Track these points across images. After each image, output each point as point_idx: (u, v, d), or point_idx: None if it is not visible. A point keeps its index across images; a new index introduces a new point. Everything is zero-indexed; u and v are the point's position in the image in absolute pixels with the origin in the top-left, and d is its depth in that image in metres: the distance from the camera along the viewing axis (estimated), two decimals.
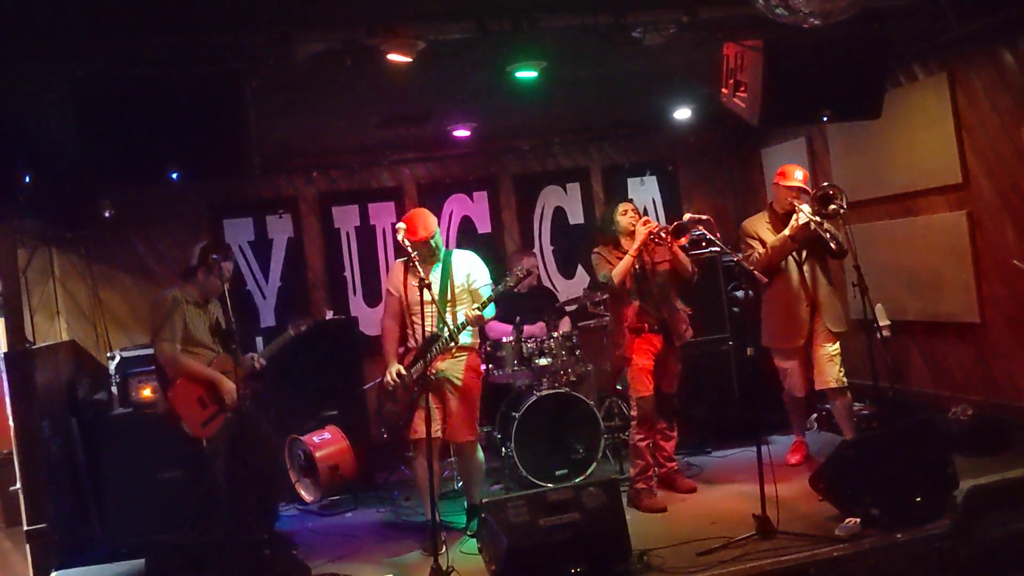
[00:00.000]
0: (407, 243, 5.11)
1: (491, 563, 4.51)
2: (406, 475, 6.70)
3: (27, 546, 5.66)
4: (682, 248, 5.62)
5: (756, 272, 5.18)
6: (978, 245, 6.02)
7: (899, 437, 4.85)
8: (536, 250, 8.30)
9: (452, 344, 5.21)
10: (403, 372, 5.27)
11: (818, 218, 5.53)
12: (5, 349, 5.65)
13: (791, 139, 7.81)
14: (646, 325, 5.62)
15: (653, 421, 5.68)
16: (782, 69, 4.44)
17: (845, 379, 5.76)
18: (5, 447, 5.35)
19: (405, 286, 5.34)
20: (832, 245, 5.58)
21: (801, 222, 5.55)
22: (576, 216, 8.46)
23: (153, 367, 5.99)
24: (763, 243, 5.79)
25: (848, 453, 4.88)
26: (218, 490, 5.20)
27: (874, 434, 5.15)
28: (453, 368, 5.29)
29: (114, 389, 6.23)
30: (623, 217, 5.71)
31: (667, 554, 4.59)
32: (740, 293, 6.95)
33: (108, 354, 6.60)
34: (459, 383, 5.29)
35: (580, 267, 8.36)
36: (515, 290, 6.66)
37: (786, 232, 5.64)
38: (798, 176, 5.80)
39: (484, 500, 4.75)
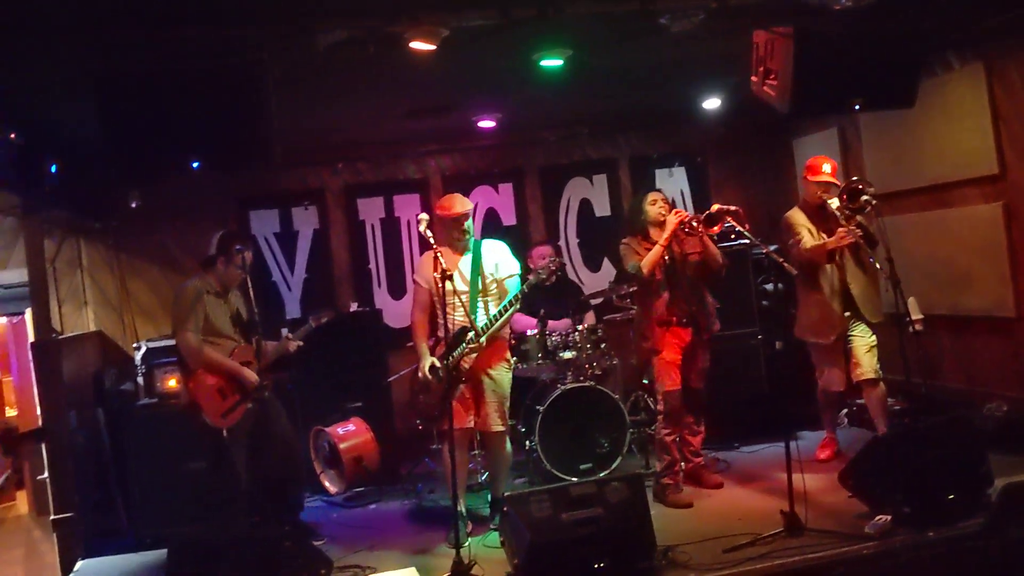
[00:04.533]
0: (429, 234, 5.08)
1: (513, 557, 4.47)
2: (430, 467, 6.70)
3: (54, 535, 5.73)
4: (712, 239, 5.54)
5: (785, 265, 5.08)
6: (1014, 238, 5.88)
7: (932, 433, 4.75)
8: (562, 243, 8.24)
9: (482, 340, 5.17)
10: (436, 365, 5.24)
11: (854, 225, 5.43)
12: (33, 339, 5.71)
13: (823, 130, 7.68)
14: (674, 318, 5.53)
15: (679, 416, 5.61)
16: (813, 57, 4.33)
17: (880, 371, 5.66)
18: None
19: (435, 278, 5.30)
20: (865, 243, 5.49)
21: (843, 243, 5.47)
22: (603, 208, 8.38)
23: (176, 358, 6.04)
24: (811, 233, 5.69)
25: (879, 449, 4.78)
26: (238, 481, 5.20)
27: (906, 430, 5.04)
28: (487, 360, 5.27)
29: (140, 380, 6.26)
30: (652, 207, 5.63)
31: (692, 550, 4.52)
32: (770, 286, 6.86)
33: (134, 344, 6.64)
34: (492, 374, 5.26)
35: (606, 260, 8.28)
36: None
37: (829, 244, 5.54)
38: (826, 169, 5.70)
39: (506, 494, 4.71)
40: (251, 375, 5.22)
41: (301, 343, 5.61)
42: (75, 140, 5.36)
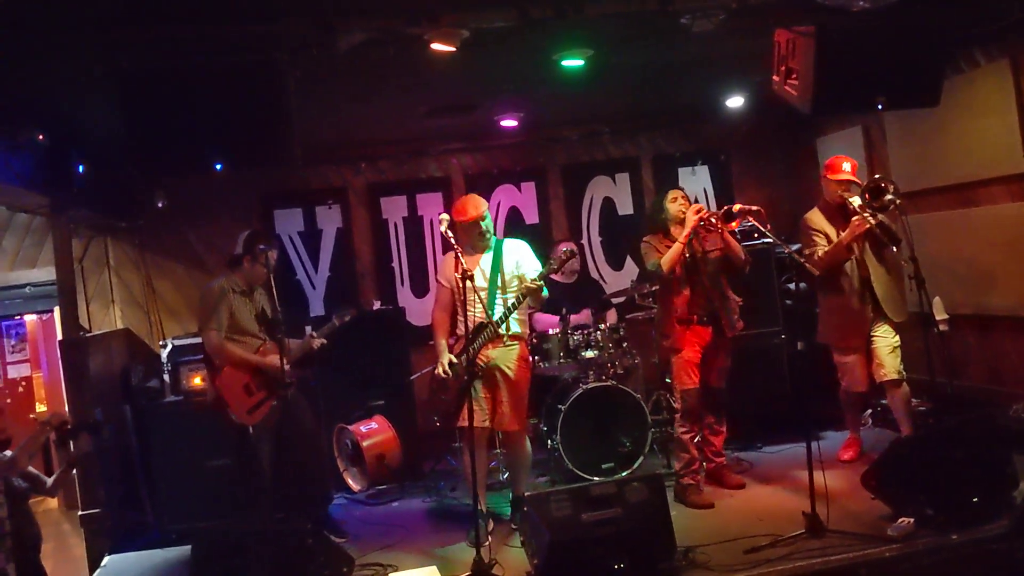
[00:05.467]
0: (450, 234, 5.10)
1: (533, 556, 4.48)
2: (452, 465, 6.72)
3: (82, 530, 5.82)
4: (733, 235, 5.51)
5: (808, 265, 5.06)
6: None
7: (956, 434, 4.71)
8: (584, 241, 8.23)
9: (502, 331, 5.18)
10: (454, 362, 5.26)
11: (869, 213, 5.39)
12: (61, 336, 5.80)
13: (847, 128, 7.60)
14: (695, 316, 5.51)
15: (698, 414, 5.60)
16: (835, 55, 4.31)
17: (904, 372, 5.62)
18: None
19: (458, 268, 5.31)
20: (886, 238, 5.44)
21: (857, 232, 5.42)
22: (625, 207, 8.36)
23: (202, 355, 6.11)
24: (827, 237, 5.65)
25: (902, 450, 4.76)
26: (264, 478, 5.26)
27: (930, 431, 5.00)
28: (504, 357, 5.27)
29: (166, 377, 6.34)
30: (673, 204, 5.62)
31: (713, 551, 4.52)
32: (793, 285, 6.82)
33: (160, 342, 6.72)
34: (510, 372, 5.26)
35: (628, 258, 8.26)
36: (560, 278, 6.66)
37: (844, 238, 5.50)
38: (846, 168, 5.66)
39: (526, 494, 4.73)
40: (276, 364, 5.22)
41: (324, 341, 5.65)
42: (102, 140, 5.43)
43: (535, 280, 5.11)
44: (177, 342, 6.48)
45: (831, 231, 5.67)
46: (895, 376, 5.60)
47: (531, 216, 8.21)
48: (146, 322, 7.23)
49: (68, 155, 5.35)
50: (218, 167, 4.05)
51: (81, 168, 5.53)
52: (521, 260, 5.36)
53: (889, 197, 5.38)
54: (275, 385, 5.26)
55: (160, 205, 6.92)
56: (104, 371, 6.24)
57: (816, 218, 5.78)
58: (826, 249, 5.60)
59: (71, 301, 5.91)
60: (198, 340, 6.36)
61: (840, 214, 5.64)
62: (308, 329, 7.07)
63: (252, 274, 5.43)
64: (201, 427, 5.80)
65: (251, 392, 5.28)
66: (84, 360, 5.86)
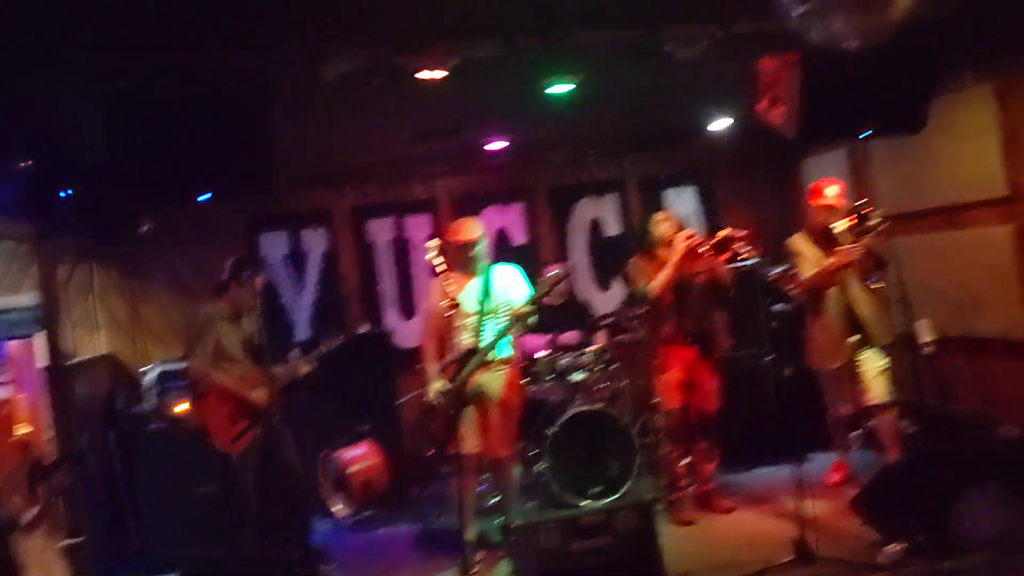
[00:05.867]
0: (438, 261, 5.07)
1: None
2: (439, 490, 6.67)
3: (65, 558, 5.74)
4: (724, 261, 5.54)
5: (793, 292, 5.08)
6: None
7: (945, 458, 4.71)
8: (571, 262, 8.23)
9: (491, 356, 5.16)
10: (443, 389, 5.24)
11: (853, 240, 5.42)
12: (45, 363, 5.74)
13: (832, 150, 7.65)
14: (681, 337, 5.54)
15: (682, 435, 5.62)
16: (820, 84, 4.34)
17: (891, 396, 5.63)
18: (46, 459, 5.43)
19: (444, 305, 5.30)
20: (872, 264, 5.47)
21: (843, 262, 5.45)
22: (611, 228, 8.38)
23: (186, 382, 6.06)
24: (811, 261, 5.67)
25: (892, 475, 4.76)
26: (248, 506, 5.21)
27: (919, 455, 5.01)
28: (494, 382, 5.25)
29: (151, 403, 6.29)
30: (660, 226, 5.64)
31: None
32: (779, 307, 6.83)
33: (145, 368, 6.66)
34: (500, 397, 5.24)
35: (616, 280, 8.27)
36: (549, 301, 6.63)
37: (829, 266, 5.52)
38: (829, 193, 5.70)
39: (515, 524, 4.70)
40: (258, 397, 5.23)
41: (311, 367, 5.61)
42: (87, 167, 5.40)
43: (525, 304, 5.10)
44: (162, 368, 6.42)
45: (815, 255, 5.69)
46: (882, 400, 5.61)
47: (518, 238, 8.20)
48: (131, 347, 7.17)
49: (53, 182, 5.30)
50: (204, 198, 4.03)
51: (66, 194, 5.47)
52: (511, 285, 5.35)
53: (874, 222, 5.40)
54: (259, 414, 5.23)
55: (145, 230, 6.86)
56: (89, 397, 6.19)
57: (799, 243, 5.80)
58: (811, 273, 5.61)
59: (56, 327, 5.86)
60: (183, 366, 6.32)
61: (825, 238, 5.66)
62: (294, 353, 7.06)
63: (239, 300, 5.38)
64: (187, 453, 5.73)
65: (235, 420, 5.23)
66: (69, 386, 5.81)
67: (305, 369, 5.57)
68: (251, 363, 5.38)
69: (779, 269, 5.73)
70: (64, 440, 5.60)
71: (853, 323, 5.63)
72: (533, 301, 5.12)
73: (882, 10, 2.45)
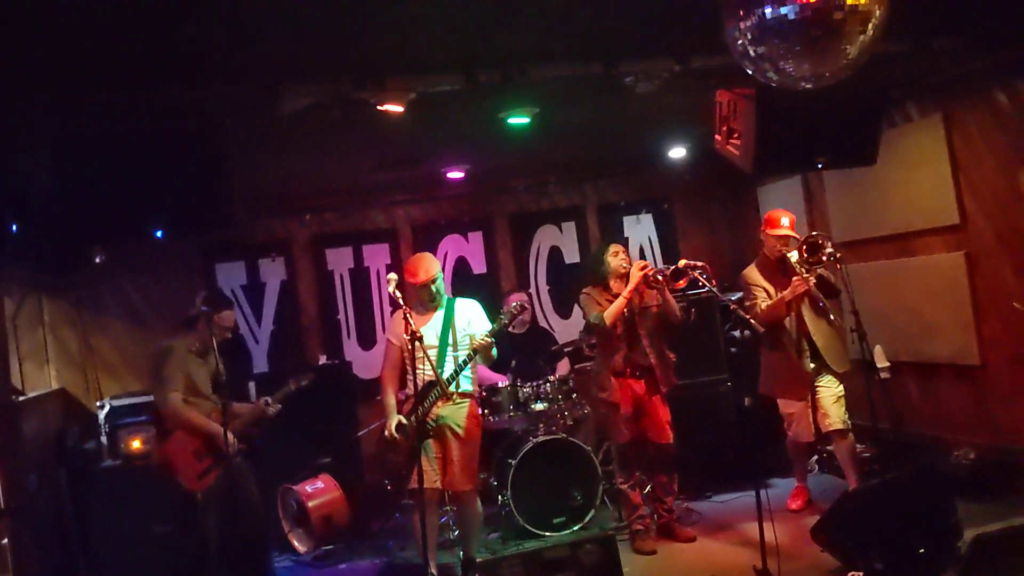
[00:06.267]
0: (398, 294, 5.03)
1: None
2: (401, 523, 6.59)
3: None
4: (679, 289, 5.57)
5: (752, 322, 5.13)
6: (977, 286, 5.95)
7: (902, 485, 4.76)
8: (532, 290, 8.25)
9: (452, 389, 5.13)
10: (403, 423, 5.19)
11: (807, 270, 5.50)
12: None
13: (787, 178, 7.77)
14: (628, 370, 5.55)
15: (633, 467, 5.67)
16: (775, 117, 4.40)
17: (848, 421, 5.70)
18: None
19: (407, 330, 5.25)
20: (825, 292, 5.56)
21: (797, 292, 5.52)
22: (572, 255, 8.42)
23: (143, 417, 5.95)
24: (765, 291, 5.73)
25: (850, 504, 4.79)
26: (210, 545, 5.11)
27: (876, 484, 5.05)
28: (454, 415, 5.21)
29: (103, 439, 6.14)
30: (614, 258, 5.67)
31: None
32: (737, 333, 6.89)
33: (98, 403, 6.51)
34: (460, 430, 5.20)
35: (577, 307, 8.28)
36: (511, 329, 6.62)
37: (785, 296, 5.59)
38: (784, 223, 5.78)
39: (479, 560, 4.66)
40: (228, 436, 5.11)
41: (279, 407, 5.55)
42: (37, 198, 5.29)
43: (485, 336, 5.09)
44: (115, 402, 6.27)
45: (769, 287, 5.75)
46: (840, 426, 5.67)
47: (479, 266, 8.20)
48: (83, 381, 7.00)
49: (1, 213, 5.18)
50: (158, 234, 3.96)
51: (15, 227, 5.35)
52: (472, 319, 5.33)
53: (828, 251, 5.48)
54: (224, 452, 5.13)
55: (97, 261, 6.73)
56: (39, 434, 6.00)
57: (753, 274, 5.86)
58: (766, 304, 5.67)
59: (4, 362, 5.70)
60: (138, 400, 6.20)
61: (778, 269, 5.75)
62: (251, 386, 6.96)
63: (208, 336, 5.30)
64: (142, 491, 5.62)
65: (200, 457, 5.15)
66: (17, 424, 5.64)
67: (273, 411, 5.52)
68: (218, 399, 5.29)
69: (735, 296, 5.78)
70: (12, 480, 5.43)
71: (809, 352, 5.69)
72: (492, 334, 5.11)
73: (834, 56, 2.49)
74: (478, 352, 5.12)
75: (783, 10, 2.32)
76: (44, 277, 6.66)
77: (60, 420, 6.51)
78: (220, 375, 5.35)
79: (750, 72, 2.67)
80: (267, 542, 5.72)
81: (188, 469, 5.09)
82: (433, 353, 5.13)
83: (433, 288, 5.23)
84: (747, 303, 5.73)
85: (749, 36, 2.45)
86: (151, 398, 5.57)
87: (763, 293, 5.74)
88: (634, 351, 5.55)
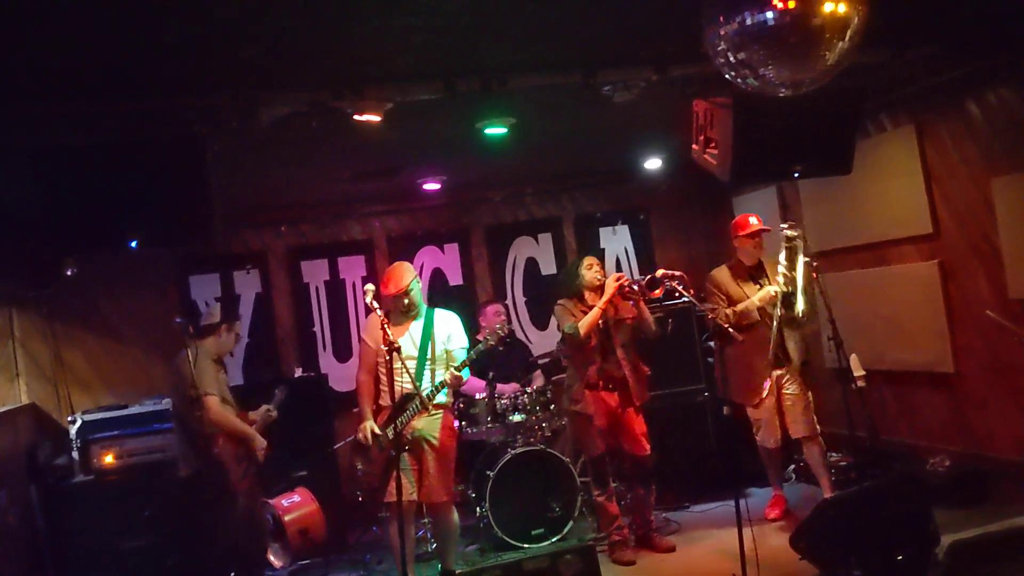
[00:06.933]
0: (375, 305, 5.00)
1: None
2: (378, 535, 6.53)
3: None
4: (655, 299, 5.57)
5: (731, 331, 5.15)
6: (951, 295, 6.02)
7: (879, 493, 4.78)
8: (508, 301, 8.23)
9: (428, 406, 5.10)
10: (377, 432, 5.15)
11: (781, 274, 5.54)
12: None
13: (762, 188, 7.82)
14: (602, 382, 5.55)
15: (607, 478, 5.66)
16: (752, 126, 4.42)
17: (818, 427, 5.73)
18: None
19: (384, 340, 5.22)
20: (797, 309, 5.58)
21: (771, 293, 5.57)
22: (548, 266, 8.42)
23: (114, 432, 5.88)
24: (728, 298, 5.77)
25: (828, 512, 4.79)
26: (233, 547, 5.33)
27: (854, 491, 5.08)
28: (429, 427, 5.18)
29: (75, 454, 6.02)
30: (588, 271, 5.67)
31: None
32: (714, 343, 6.91)
33: (69, 418, 6.39)
34: (436, 442, 5.17)
35: (553, 318, 8.27)
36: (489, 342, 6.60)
37: (755, 301, 5.63)
38: (753, 221, 5.87)
39: (459, 571, 4.62)
40: (262, 441, 5.50)
41: (276, 414, 5.87)
42: (7, 211, 5.22)
43: (458, 368, 5.10)
44: (87, 416, 6.15)
45: (735, 291, 5.81)
46: (808, 433, 5.72)
47: (455, 277, 8.18)
48: (54, 396, 6.87)
49: None
50: (132, 244, 3.90)
51: None
52: (452, 334, 5.31)
53: (805, 260, 5.53)
54: (254, 455, 5.49)
55: (69, 273, 6.64)
56: (8, 450, 5.89)
57: (722, 276, 5.91)
58: (727, 311, 5.68)
59: None
60: (110, 414, 6.11)
61: (748, 274, 5.78)
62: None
63: (224, 344, 5.45)
64: (114, 507, 5.55)
65: (239, 459, 5.41)
66: None
67: (273, 416, 5.81)
68: (235, 405, 5.53)
69: (709, 305, 5.81)
70: None
71: (771, 359, 5.72)
72: (478, 354, 5.15)
73: (813, 62, 2.51)
74: (449, 386, 5.15)
75: (763, 16, 2.33)
76: (15, 289, 6.55)
77: (31, 435, 6.40)
78: (229, 383, 5.67)
79: (729, 78, 2.68)
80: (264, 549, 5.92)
81: (235, 471, 5.34)
82: (412, 364, 5.09)
83: (406, 300, 5.20)
84: (712, 308, 5.74)
85: (729, 42, 2.46)
86: (161, 406, 5.77)
87: (723, 301, 5.78)
88: (608, 363, 5.55)
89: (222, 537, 5.28)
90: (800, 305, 5.54)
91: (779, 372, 5.78)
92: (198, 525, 5.40)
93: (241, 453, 5.43)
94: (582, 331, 5.43)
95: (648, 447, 5.65)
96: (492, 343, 5.17)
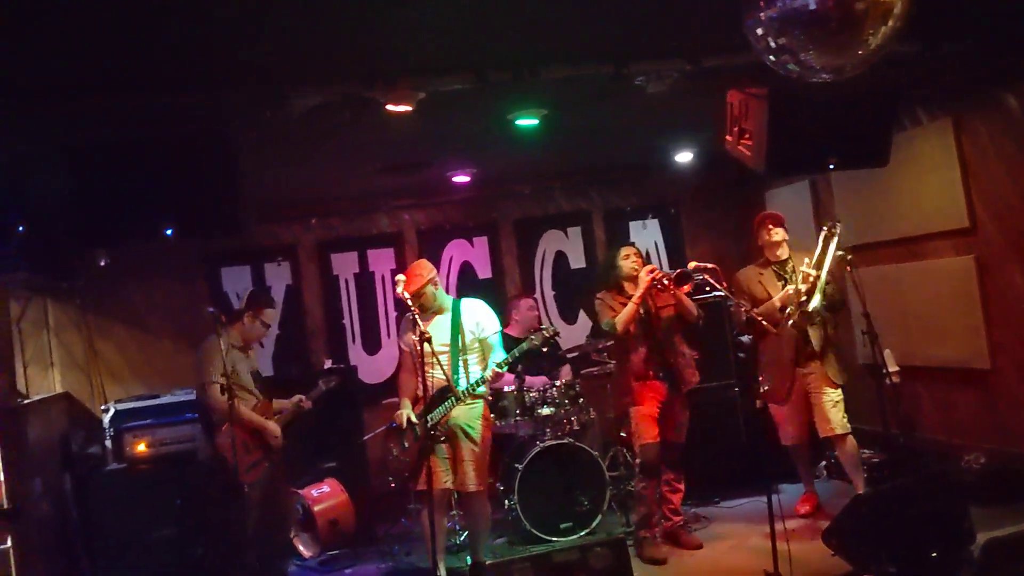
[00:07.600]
0: (406, 295, 5.01)
1: None
2: (407, 527, 6.56)
3: None
4: (686, 294, 5.54)
5: (764, 323, 5.11)
6: (987, 290, 5.92)
7: (913, 490, 4.73)
8: (537, 295, 8.21)
9: (464, 398, 5.11)
10: (413, 420, 5.16)
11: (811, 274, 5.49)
12: None
13: (795, 181, 7.75)
14: (651, 372, 5.53)
15: (656, 469, 5.58)
16: (787, 117, 4.35)
17: (848, 425, 5.67)
18: None
19: (414, 341, 5.23)
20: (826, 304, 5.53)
21: (791, 292, 5.55)
22: (577, 260, 8.39)
23: (148, 420, 5.94)
24: (752, 298, 5.72)
25: (862, 508, 4.75)
26: (246, 538, 5.17)
27: (888, 488, 5.02)
28: (466, 416, 5.20)
29: (108, 443, 6.10)
30: (625, 261, 5.65)
31: None
32: (746, 338, 6.86)
33: (102, 407, 6.48)
34: (473, 432, 5.18)
35: (582, 312, 8.26)
36: (515, 332, 6.61)
37: (775, 302, 5.60)
38: (776, 226, 5.87)
39: (488, 562, 4.62)
40: (276, 430, 5.42)
41: (311, 404, 5.82)
42: (42, 202, 5.28)
43: (499, 365, 5.12)
44: (120, 406, 6.24)
45: (759, 291, 5.79)
46: (839, 431, 5.66)
47: (484, 271, 8.17)
48: (87, 385, 6.97)
49: (7, 214, 5.16)
50: (168, 232, 3.94)
51: (21, 228, 5.34)
52: (481, 321, 5.30)
53: (839, 253, 5.47)
54: (269, 446, 5.39)
55: (102, 264, 6.72)
56: (43, 438, 5.97)
57: (746, 276, 5.90)
58: (750, 311, 5.63)
59: (8, 366, 5.67)
60: (143, 404, 6.18)
61: (774, 271, 5.79)
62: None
63: (251, 331, 5.51)
64: (146, 495, 5.62)
65: (249, 450, 5.30)
66: (22, 428, 5.61)
67: (307, 406, 5.77)
68: (259, 394, 5.47)
69: (738, 300, 5.77)
70: (16, 484, 5.39)
71: (797, 357, 5.68)
72: (518, 354, 5.17)
73: (856, 47, 2.47)
74: (490, 383, 5.19)
75: (804, 0, 2.30)
76: (49, 281, 6.63)
77: (64, 424, 6.49)
78: (259, 371, 5.63)
79: (770, 63, 2.63)
80: (288, 540, 5.92)
81: (239, 461, 5.19)
82: (444, 358, 5.09)
83: (428, 292, 5.19)
84: (742, 306, 5.70)
85: (770, 27, 2.43)
86: (193, 396, 5.80)
87: (747, 301, 5.72)
88: (652, 354, 5.53)
89: (234, 529, 5.22)
90: (814, 302, 5.46)
91: (804, 371, 5.72)
92: (217, 516, 5.43)
93: (252, 443, 5.33)
94: (620, 326, 5.42)
95: (684, 437, 5.66)
96: (537, 343, 5.16)
